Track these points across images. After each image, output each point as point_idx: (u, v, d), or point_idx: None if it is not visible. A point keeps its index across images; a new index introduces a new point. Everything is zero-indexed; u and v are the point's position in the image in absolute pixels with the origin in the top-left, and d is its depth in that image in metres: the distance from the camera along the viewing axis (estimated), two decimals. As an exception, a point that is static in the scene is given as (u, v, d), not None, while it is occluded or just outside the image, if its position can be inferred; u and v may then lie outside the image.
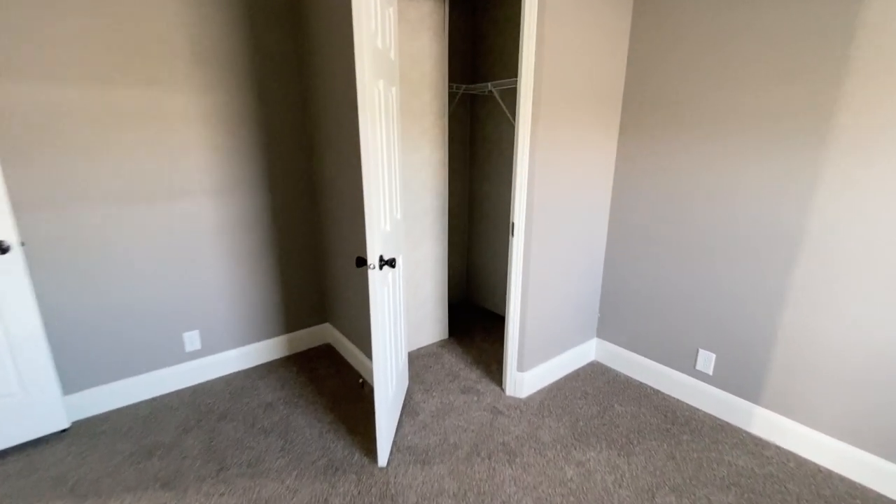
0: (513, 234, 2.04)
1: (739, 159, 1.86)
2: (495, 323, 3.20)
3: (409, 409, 2.15)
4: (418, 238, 2.59)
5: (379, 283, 1.55)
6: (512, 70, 2.79)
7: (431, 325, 2.82)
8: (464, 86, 2.83)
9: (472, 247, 3.49)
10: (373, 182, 1.44)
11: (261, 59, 2.24)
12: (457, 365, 2.59)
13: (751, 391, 2.00)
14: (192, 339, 2.34)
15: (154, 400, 2.24)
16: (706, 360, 2.13)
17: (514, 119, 2.84)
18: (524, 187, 1.96)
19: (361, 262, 1.53)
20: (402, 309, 2.04)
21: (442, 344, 2.85)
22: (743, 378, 2.01)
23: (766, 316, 1.89)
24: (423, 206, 2.56)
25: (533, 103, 1.87)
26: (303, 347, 2.78)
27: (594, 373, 2.52)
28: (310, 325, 2.78)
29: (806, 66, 1.63)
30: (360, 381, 1.94)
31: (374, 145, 1.45)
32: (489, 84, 2.65)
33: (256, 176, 2.36)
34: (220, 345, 2.45)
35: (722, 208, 1.95)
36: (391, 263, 1.57)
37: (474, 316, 3.33)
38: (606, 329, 2.58)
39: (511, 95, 2.83)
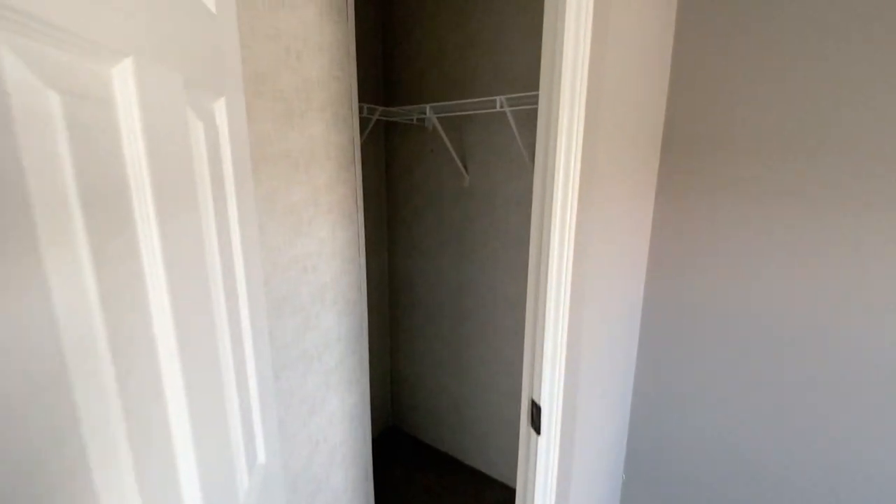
0: (538, 428, 0.93)
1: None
2: (444, 473, 2.04)
3: None
4: (315, 394, 1.33)
5: None
6: (458, 89, 1.75)
7: (348, 534, 1.54)
8: (379, 108, 1.69)
9: (398, 348, 2.30)
10: None
11: None
12: None
13: None
14: None
15: None
16: (836, 573, 1.27)
17: (462, 163, 1.78)
18: (561, 333, 0.88)
19: None
20: None
21: (369, 564, 1.59)
22: None
23: (965, 519, 1.09)
24: (321, 335, 1.32)
25: (584, 150, 0.81)
26: None
27: (633, 581, 1.52)
28: None
29: None
30: None
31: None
32: (427, 108, 1.56)
33: None
34: None
35: (870, 328, 1.11)
36: None
37: (409, 460, 2.12)
38: (634, 500, 1.62)
39: (454, 127, 1.77)
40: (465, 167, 1.80)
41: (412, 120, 1.81)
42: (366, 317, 1.47)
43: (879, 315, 1.05)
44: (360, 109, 1.69)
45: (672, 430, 1.48)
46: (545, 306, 0.88)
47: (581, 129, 0.78)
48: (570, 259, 0.86)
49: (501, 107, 1.36)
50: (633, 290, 1.32)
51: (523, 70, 1.58)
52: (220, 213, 0.50)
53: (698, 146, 1.26)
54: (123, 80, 0.32)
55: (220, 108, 0.55)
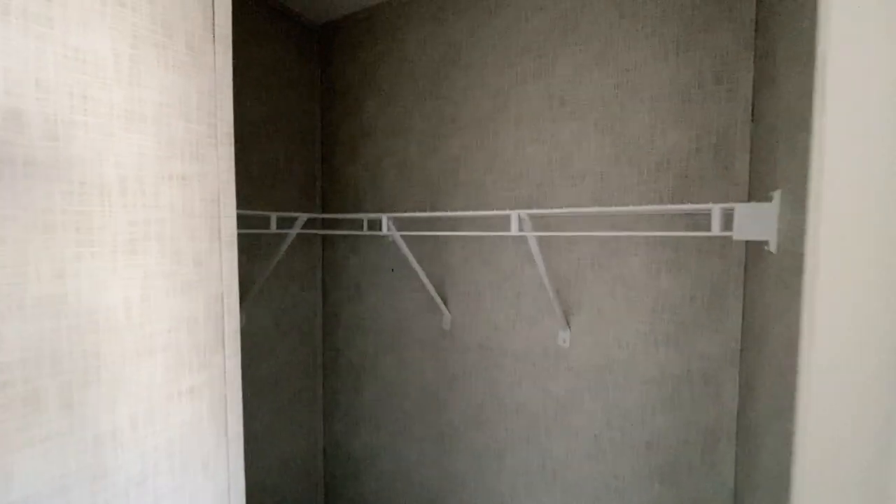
0: None
1: None
2: None
3: None
4: None
5: None
6: (420, 191, 1.15)
7: None
8: (302, 215, 1.03)
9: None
10: None
11: None
12: None
13: None
14: None
15: None
16: None
17: (440, 294, 1.13)
18: None
19: None
20: None
21: None
22: None
23: None
24: None
25: None
26: None
27: None
28: None
29: None
30: None
31: None
32: (383, 217, 0.92)
33: None
34: None
35: None
36: None
37: None
38: None
39: (418, 245, 1.14)
40: (445, 300, 1.14)
41: (360, 230, 1.17)
42: None
43: None
44: (268, 221, 1.02)
45: None
46: None
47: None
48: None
49: (520, 229, 0.73)
50: None
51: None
52: None
53: None
54: None
55: None
